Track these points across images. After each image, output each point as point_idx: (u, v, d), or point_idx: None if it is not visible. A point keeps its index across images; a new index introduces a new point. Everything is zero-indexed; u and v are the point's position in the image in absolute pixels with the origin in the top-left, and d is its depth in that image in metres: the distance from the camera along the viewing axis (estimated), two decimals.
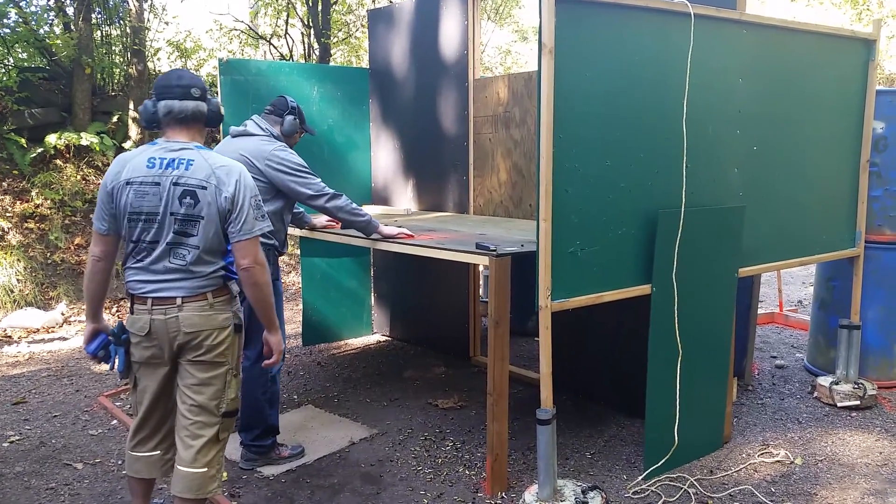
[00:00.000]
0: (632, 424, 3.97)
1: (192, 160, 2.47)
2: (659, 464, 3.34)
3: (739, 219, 3.48)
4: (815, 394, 4.37)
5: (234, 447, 3.69)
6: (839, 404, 4.18)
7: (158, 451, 2.76)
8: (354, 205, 3.61)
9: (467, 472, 3.48)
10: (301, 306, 5.68)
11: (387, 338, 6.00)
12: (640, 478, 3.32)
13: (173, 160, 2.46)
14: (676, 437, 3.35)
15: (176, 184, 2.44)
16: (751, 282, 4.46)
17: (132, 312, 2.56)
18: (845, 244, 4.16)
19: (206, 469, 2.60)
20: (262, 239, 3.32)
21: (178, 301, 2.49)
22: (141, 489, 2.82)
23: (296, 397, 4.57)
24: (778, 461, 3.54)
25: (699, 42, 3.20)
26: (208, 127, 2.62)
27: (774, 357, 5.25)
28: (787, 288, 7.52)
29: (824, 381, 4.32)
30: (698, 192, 3.32)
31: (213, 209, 2.45)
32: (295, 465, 3.58)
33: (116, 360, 2.63)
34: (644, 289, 3.23)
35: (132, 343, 2.58)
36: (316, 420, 4.18)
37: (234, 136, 3.59)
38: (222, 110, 2.62)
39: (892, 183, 4.39)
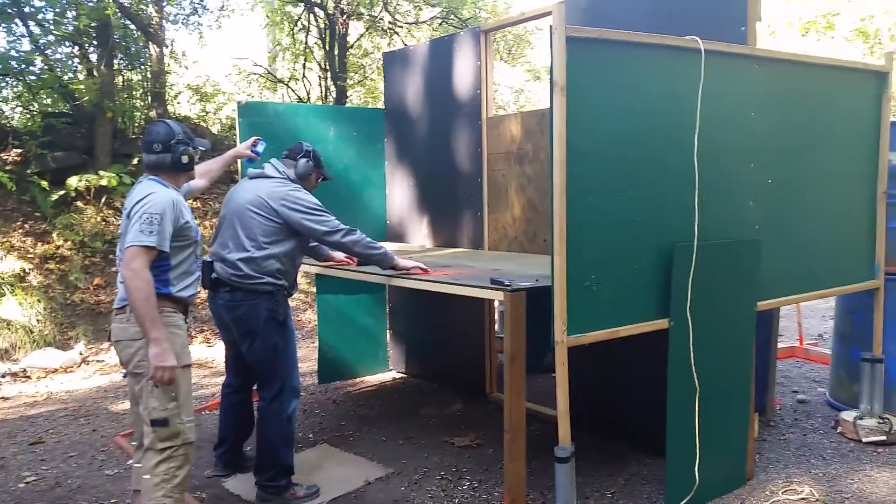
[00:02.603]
0: (653, 463, 3.89)
1: (135, 188, 2.98)
2: (681, 503, 3.27)
3: (756, 252, 3.46)
4: (839, 429, 4.28)
5: (249, 486, 3.67)
6: (864, 440, 4.08)
7: (140, 464, 3.03)
8: (369, 239, 3.65)
9: None
10: (317, 344, 5.68)
11: (403, 375, 5.98)
12: None
13: (133, 189, 3.01)
14: (698, 476, 3.28)
15: (125, 206, 2.96)
16: (770, 315, 4.41)
17: None
18: (865, 276, 4.11)
19: (147, 476, 2.86)
20: (271, 279, 3.49)
21: (114, 312, 2.95)
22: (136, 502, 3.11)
23: (311, 436, 4.54)
24: (802, 498, 3.45)
25: (710, 77, 3.22)
26: (176, 172, 3.05)
27: (796, 391, 5.16)
28: (807, 321, 7.42)
29: (848, 415, 4.23)
30: (713, 226, 3.31)
31: (125, 227, 2.88)
32: None
33: None
34: (661, 323, 3.20)
35: None
36: (331, 459, 4.15)
37: (251, 178, 3.68)
38: (184, 159, 3.02)
39: None
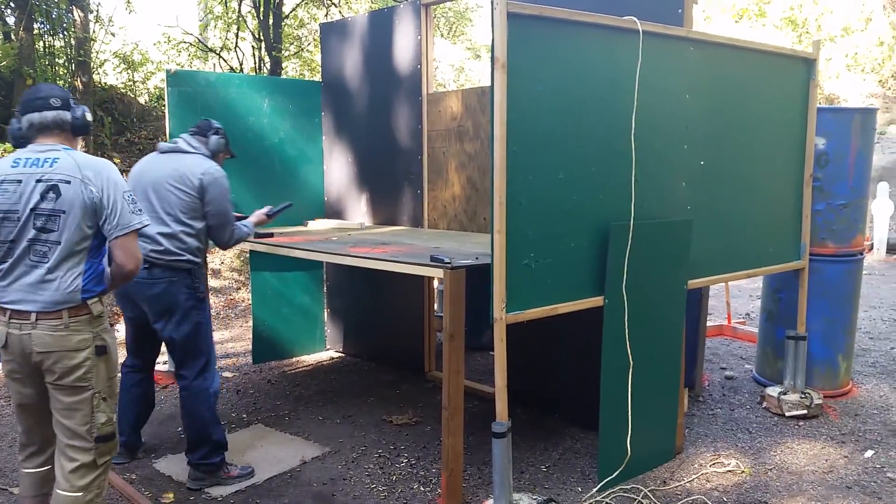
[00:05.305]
0: (586, 437, 3.97)
1: (58, 158, 2.48)
2: (613, 475, 3.34)
3: (687, 232, 3.53)
4: (764, 404, 4.45)
5: (181, 468, 3.58)
6: (787, 414, 4.26)
7: (49, 466, 2.67)
8: (244, 228, 3.66)
9: (422, 489, 3.43)
10: (251, 323, 5.56)
11: (340, 354, 5.92)
12: (594, 490, 3.32)
13: (38, 159, 2.48)
14: (630, 449, 3.36)
15: (39, 180, 2.44)
16: (699, 294, 4.53)
17: None
18: (791, 257, 4.26)
19: (80, 493, 2.53)
20: (191, 257, 3.38)
21: (33, 318, 2.43)
22: None
23: (245, 416, 4.46)
24: (729, 471, 3.58)
25: (647, 58, 3.26)
26: (77, 135, 2.62)
27: (724, 368, 5.34)
28: (736, 301, 7.68)
29: (772, 391, 4.40)
30: (647, 206, 3.36)
31: (78, 202, 2.43)
32: (244, 485, 3.47)
33: None
34: (597, 300, 3.25)
35: None
36: (266, 439, 4.08)
37: (162, 153, 3.55)
38: (88, 117, 2.61)
39: (834, 197, 4.52)
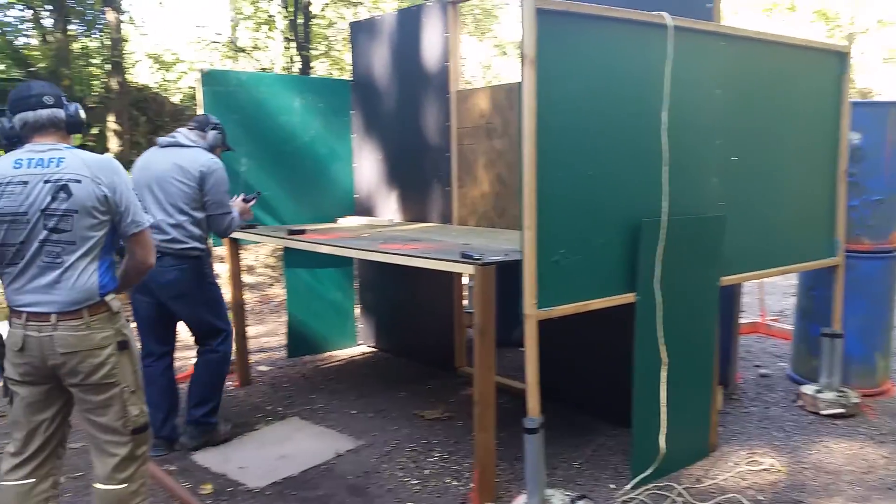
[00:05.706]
0: (619, 434, 3.96)
1: (63, 157, 2.43)
2: (646, 472, 3.33)
3: (720, 228, 3.51)
4: (800, 402, 4.40)
5: (220, 460, 3.66)
6: (823, 412, 4.20)
7: (32, 480, 2.56)
8: (237, 218, 3.91)
9: (455, 484, 3.46)
10: (285, 318, 5.64)
11: (372, 349, 5.97)
12: (627, 486, 3.32)
13: (42, 159, 2.41)
14: (663, 446, 3.35)
15: (47, 181, 2.38)
16: (732, 291, 4.49)
17: (10, 325, 2.47)
18: (825, 253, 4.20)
19: (125, 485, 2.57)
20: (197, 244, 3.65)
21: (53, 319, 2.40)
22: None
23: (280, 409, 4.52)
24: (764, 469, 3.55)
25: (678, 53, 3.23)
26: (71, 133, 2.57)
27: (758, 366, 5.28)
28: (769, 298, 7.57)
29: (808, 389, 4.35)
30: (679, 202, 3.33)
31: (90, 201, 2.40)
32: (280, 477, 3.53)
33: None
34: (628, 297, 3.24)
35: (5, 357, 2.49)
36: (301, 431, 4.14)
37: (162, 147, 3.76)
38: (82, 114, 2.57)
39: (869, 193, 4.44)
